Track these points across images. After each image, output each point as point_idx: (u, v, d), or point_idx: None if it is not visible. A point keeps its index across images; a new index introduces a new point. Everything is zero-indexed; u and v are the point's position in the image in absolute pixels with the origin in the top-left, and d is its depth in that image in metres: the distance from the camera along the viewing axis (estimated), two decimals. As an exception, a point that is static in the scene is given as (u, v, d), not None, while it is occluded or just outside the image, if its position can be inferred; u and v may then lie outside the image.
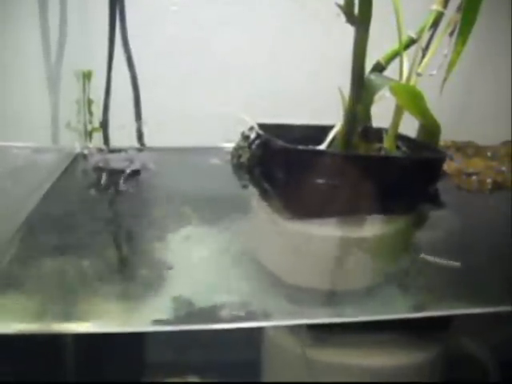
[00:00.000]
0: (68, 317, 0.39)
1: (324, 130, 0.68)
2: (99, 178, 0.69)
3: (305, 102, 0.90)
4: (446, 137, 0.91)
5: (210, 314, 0.40)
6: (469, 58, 0.99)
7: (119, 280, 0.46)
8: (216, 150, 0.82)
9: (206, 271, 0.48)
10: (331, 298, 0.47)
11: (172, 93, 0.89)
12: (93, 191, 0.65)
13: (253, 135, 0.75)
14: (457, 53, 0.59)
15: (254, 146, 0.73)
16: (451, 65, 0.60)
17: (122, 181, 0.67)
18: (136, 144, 0.85)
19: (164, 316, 0.39)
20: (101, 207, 0.62)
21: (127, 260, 0.51)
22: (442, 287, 0.49)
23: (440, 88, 0.61)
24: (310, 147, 0.64)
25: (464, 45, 0.58)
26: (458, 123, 0.97)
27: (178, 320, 0.39)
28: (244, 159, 0.75)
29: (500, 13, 0.97)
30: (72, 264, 0.46)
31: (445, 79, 0.61)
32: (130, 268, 0.49)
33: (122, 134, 0.83)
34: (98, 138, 0.82)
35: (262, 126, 0.74)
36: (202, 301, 0.41)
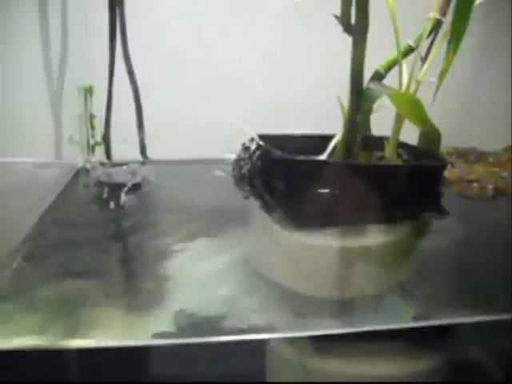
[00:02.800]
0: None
1: (325, 139, 0.68)
2: (100, 192, 0.69)
3: (307, 112, 0.91)
4: (448, 143, 0.91)
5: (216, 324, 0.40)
6: (470, 65, 1.00)
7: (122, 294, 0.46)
8: (218, 162, 0.83)
9: (207, 284, 0.48)
10: (334, 308, 0.47)
11: (174, 105, 0.89)
12: (93, 205, 0.65)
13: (253, 146, 0.76)
14: (448, 61, 0.59)
15: (254, 157, 0.74)
16: (443, 72, 0.60)
17: (122, 195, 0.67)
18: (139, 157, 0.86)
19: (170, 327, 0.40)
20: (101, 221, 0.62)
21: (127, 274, 0.51)
22: (445, 296, 0.49)
23: (433, 96, 0.61)
24: (310, 157, 0.64)
25: (455, 53, 0.58)
26: (460, 129, 0.97)
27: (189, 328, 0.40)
28: (245, 171, 0.76)
29: (501, 20, 0.97)
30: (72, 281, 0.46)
31: (438, 87, 0.60)
32: (130, 282, 0.49)
33: (125, 148, 0.83)
34: (100, 152, 0.82)
35: (262, 137, 0.74)
36: (206, 312, 0.42)
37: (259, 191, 0.72)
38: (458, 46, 0.57)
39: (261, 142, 0.73)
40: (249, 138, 0.76)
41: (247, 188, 0.74)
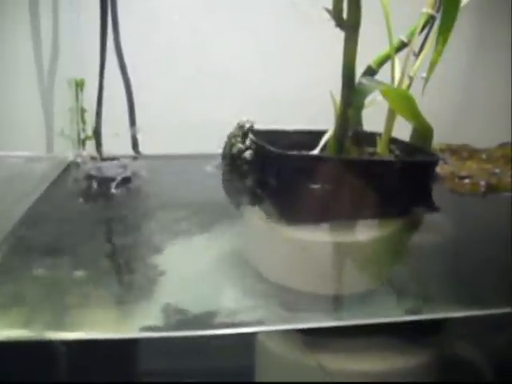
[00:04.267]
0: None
1: (318, 135, 0.68)
2: (89, 186, 0.68)
3: (301, 107, 0.91)
4: (443, 140, 0.91)
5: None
6: (465, 62, 1.00)
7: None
8: (211, 157, 0.82)
9: (198, 279, 0.48)
10: (327, 302, 0.47)
11: (167, 100, 0.89)
12: (82, 199, 0.65)
13: (248, 125, 0.76)
14: (437, 52, 0.58)
15: (247, 142, 0.73)
16: (432, 65, 0.59)
17: (112, 188, 0.66)
18: (131, 152, 0.85)
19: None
20: (88, 214, 0.62)
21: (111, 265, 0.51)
22: (436, 290, 0.49)
23: (422, 89, 0.61)
24: (302, 152, 0.64)
25: (444, 45, 0.58)
26: (455, 126, 0.97)
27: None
28: (236, 150, 0.76)
29: (498, 16, 0.97)
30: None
31: (427, 80, 0.60)
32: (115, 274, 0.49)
33: (117, 142, 0.83)
34: (92, 147, 0.82)
35: (256, 132, 0.74)
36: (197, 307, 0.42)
37: (252, 187, 0.72)
38: (446, 39, 0.57)
39: (254, 138, 0.72)
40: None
41: (240, 183, 0.75)
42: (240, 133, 0.75)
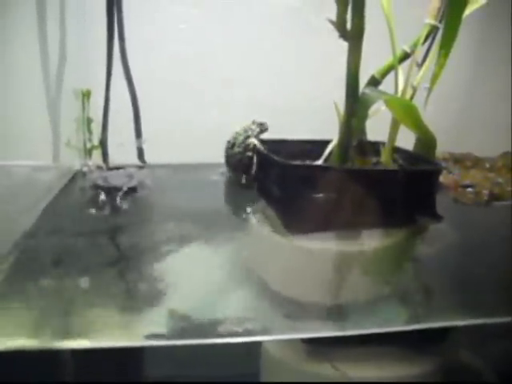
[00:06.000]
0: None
1: (322, 144, 0.68)
2: (96, 196, 0.69)
3: (305, 117, 0.91)
4: (446, 149, 0.91)
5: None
6: (468, 72, 1.00)
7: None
8: (216, 166, 0.83)
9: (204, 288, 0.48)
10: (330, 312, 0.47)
11: (172, 109, 0.89)
12: (88, 209, 0.65)
13: (254, 127, 0.77)
14: (440, 65, 0.59)
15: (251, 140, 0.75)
16: (435, 77, 0.60)
17: (117, 198, 0.67)
18: (137, 161, 0.86)
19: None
20: (94, 224, 0.62)
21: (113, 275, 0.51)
22: (439, 299, 0.49)
23: (425, 100, 0.61)
24: (306, 162, 0.65)
25: (446, 57, 0.58)
26: (459, 135, 0.97)
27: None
28: (237, 149, 0.77)
29: (500, 27, 0.97)
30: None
31: (429, 91, 0.61)
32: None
33: (124, 152, 0.83)
34: (98, 156, 0.82)
35: (261, 142, 0.74)
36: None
37: (257, 196, 0.72)
38: (449, 51, 0.57)
39: (259, 146, 0.73)
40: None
41: (244, 192, 0.75)
42: (248, 132, 0.77)
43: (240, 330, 0.40)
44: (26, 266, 0.50)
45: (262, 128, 0.78)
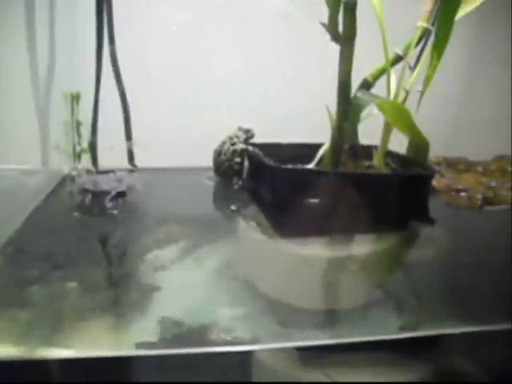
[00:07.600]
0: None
1: (314, 148, 0.68)
2: (84, 200, 0.68)
3: (298, 120, 0.91)
4: (439, 152, 0.91)
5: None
6: (462, 74, 1.00)
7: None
8: (205, 170, 0.82)
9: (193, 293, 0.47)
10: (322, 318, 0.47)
11: (163, 113, 0.89)
12: (75, 213, 0.64)
13: (240, 133, 0.78)
14: (432, 68, 0.59)
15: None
16: (427, 79, 0.60)
17: (106, 202, 0.66)
18: (127, 165, 0.85)
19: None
20: (79, 229, 0.61)
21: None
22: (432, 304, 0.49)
23: (417, 103, 0.61)
24: (297, 166, 0.64)
25: (439, 59, 0.58)
26: (451, 139, 0.97)
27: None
28: (224, 157, 0.77)
29: (496, 30, 0.98)
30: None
31: (422, 93, 0.60)
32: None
33: (113, 156, 0.82)
34: (87, 160, 0.81)
35: (252, 146, 0.74)
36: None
37: (248, 200, 0.72)
38: (442, 53, 0.57)
39: (250, 150, 0.72)
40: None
41: (235, 196, 0.74)
42: (239, 134, 0.77)
43: (229, 337, 0.40)
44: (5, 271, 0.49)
45: (248, 134, 0.78)
